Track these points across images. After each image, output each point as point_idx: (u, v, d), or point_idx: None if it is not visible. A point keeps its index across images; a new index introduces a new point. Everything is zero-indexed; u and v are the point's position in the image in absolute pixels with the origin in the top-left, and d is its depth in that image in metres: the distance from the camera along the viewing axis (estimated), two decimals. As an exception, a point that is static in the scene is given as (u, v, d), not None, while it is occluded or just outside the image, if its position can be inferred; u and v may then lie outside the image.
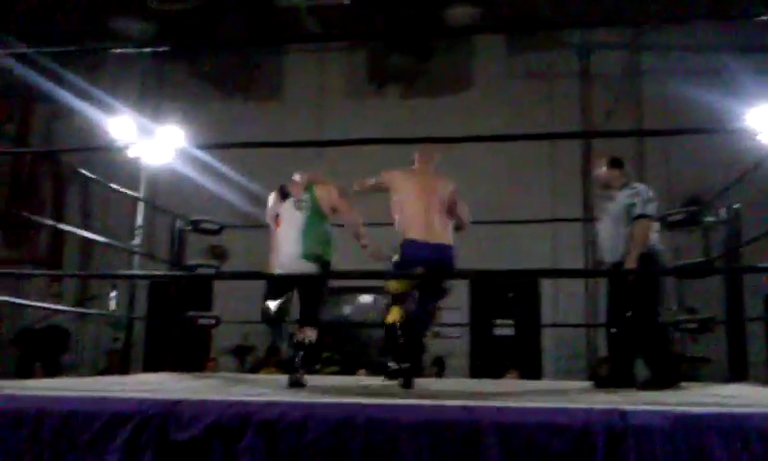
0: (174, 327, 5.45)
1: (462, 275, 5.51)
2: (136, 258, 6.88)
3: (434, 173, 4.38)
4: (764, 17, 2.78)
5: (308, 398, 2.41)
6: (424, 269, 4.11)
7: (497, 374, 8.03)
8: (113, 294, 8.81)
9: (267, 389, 3.42)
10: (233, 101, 10.71)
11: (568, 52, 10.24)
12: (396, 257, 4.22)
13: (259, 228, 4.95)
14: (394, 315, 4.23)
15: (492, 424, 2.01)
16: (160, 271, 7.29)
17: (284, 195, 4.26)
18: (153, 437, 2.11)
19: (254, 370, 8.62)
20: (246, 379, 4.95)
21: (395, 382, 4.07)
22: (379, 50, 10.24)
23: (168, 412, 2.14)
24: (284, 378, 4.12)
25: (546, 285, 9.78)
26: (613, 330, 4.42)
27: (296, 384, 3.87)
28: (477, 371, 9.15)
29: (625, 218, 4.28)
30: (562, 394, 3.48)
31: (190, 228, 5.71)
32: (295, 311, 4.22)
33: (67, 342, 9.97)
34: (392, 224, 4.31)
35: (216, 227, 5.83)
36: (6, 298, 4.87)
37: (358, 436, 2.03)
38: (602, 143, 8.96)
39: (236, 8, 9.78)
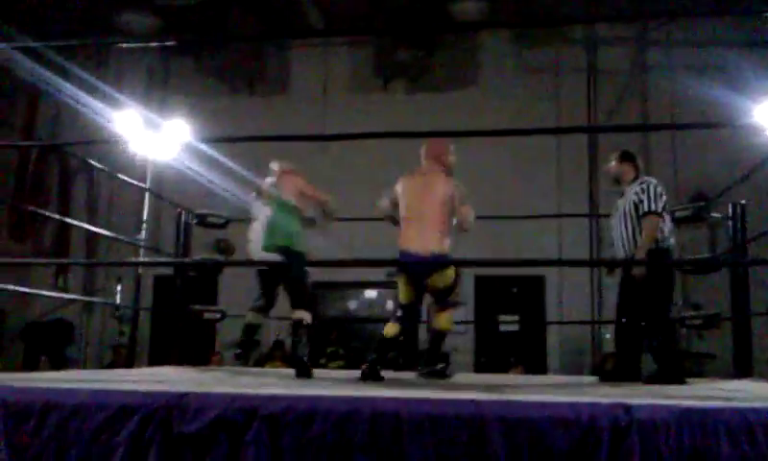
0: (179, 321, 5.45)
1: (465, 262, 5.48)
2: (142, 252, 6.90)
3: (438, 172, 4.24)
4: (771, 12, 2.77)
5: (314, 391, 2.42)
6: (409, 278, 4.14)
7: (502, 369, 8.04)
8: (119, 288, 8.84)
9: (272, 382, 3.43)
10: (239, 95, 10.72)
11: (574, 47, 10.22)
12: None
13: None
14: (388, 330, 4.18)
15: (497, 418, 2.01)
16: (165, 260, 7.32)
17: (258, 194, 4.76)
18: (158, 430, 2.11)
19: (259, 364, 8.63)
20: (251, 373, 4.96)
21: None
22: (385, 45, 10.22)
23: (174, 405, 2.14)
24: (289, 372, 4.14)
25: (551, 281, 9.76)
26: (623, 320, 4.41)
27: (303, 372, 4.07)
28: (482, 366, 9.15)
29: (634, 214, 4.27)
30: (566, 388, 3.48)
31: (196, 221, 5.71)
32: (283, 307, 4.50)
33: (72, 335, 10.00)
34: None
35: (222, 221, 5.83)
36: (12, 286, 4.89)
37: (363, 430, 2.03)
38: (608, 139, 8.96)
39: (242, 2, 9.79)
